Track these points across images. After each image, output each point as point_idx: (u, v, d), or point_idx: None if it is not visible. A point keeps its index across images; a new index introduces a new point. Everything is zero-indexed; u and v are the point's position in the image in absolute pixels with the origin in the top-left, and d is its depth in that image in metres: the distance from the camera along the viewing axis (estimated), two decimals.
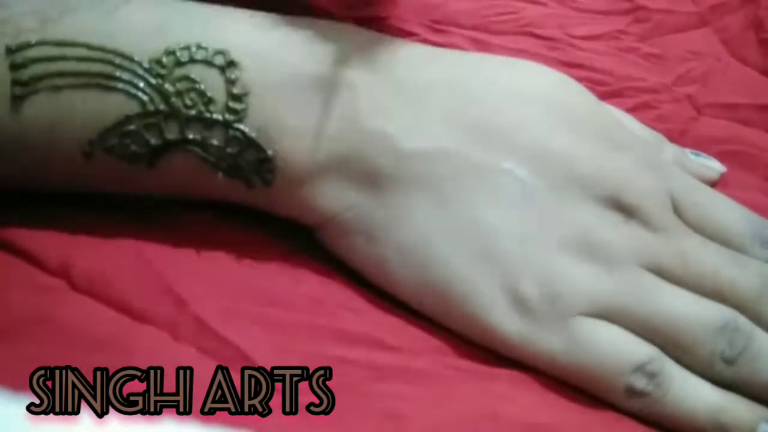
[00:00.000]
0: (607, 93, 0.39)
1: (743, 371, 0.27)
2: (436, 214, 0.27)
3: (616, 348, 0.26)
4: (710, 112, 0.40)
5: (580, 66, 0.40)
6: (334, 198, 0.27)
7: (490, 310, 0.27)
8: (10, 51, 0.25)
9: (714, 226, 0.29)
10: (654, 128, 0.35)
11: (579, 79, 0.32)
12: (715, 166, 0.34)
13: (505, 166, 0.27)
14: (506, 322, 0.26)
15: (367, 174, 0.27)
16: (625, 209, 0.28)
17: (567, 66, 0.37)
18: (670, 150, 0.33)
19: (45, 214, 0.27)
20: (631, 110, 0.36)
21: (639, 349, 0.26)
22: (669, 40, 0.45)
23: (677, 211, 0.29)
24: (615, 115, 0.33)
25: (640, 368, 0.26)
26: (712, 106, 0.40)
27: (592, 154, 0.28)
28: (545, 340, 0.26)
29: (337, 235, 0.28)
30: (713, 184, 0.33)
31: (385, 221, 0.27)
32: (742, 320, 0.27)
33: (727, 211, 0.30)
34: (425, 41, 0.36)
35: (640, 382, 0.26)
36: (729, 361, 0.27)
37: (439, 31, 0.41)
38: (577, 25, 0.44)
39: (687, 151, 0.34)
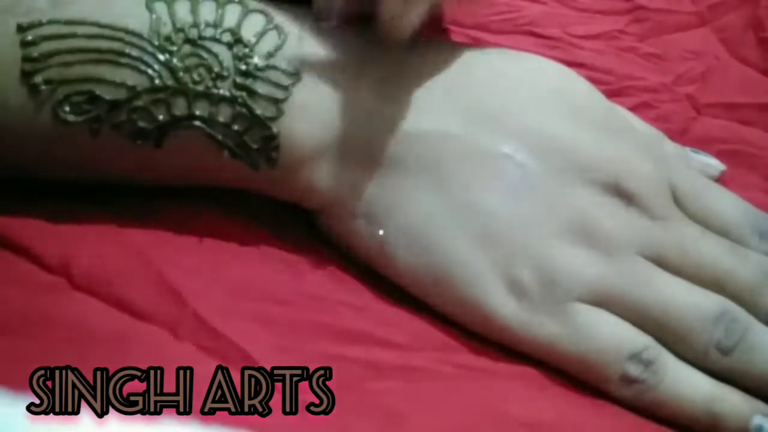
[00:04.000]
0: (608, 92, 0.38)
1: (739, 362, 0.27)
2: (436, 196, 0.27)
3: (612, 335, 0.26)
4: (710, 112, 0.40)
5: (580, 65, 0.40)
6: (335, 180, 0.27)
7: (488, 295, 0.27)
8: (21, 29, 0.25)
9: (714, 217, 0.30)
10: (654, 127, 0.35)
11: None
12: (715, 164, 0.34)
13: (504, 151, 0.27)
14: (504, 307, 0.27)
15: (369, 156, 0.27)
16: (625, 196, 0.28)
17: (567, 65, 0.37)
18: (671, 147, 0.33)
19: (45, 211, 0.27)
20: (631, 110, 0.36)
21: (635, 337, 0.27)
22: (668, 39, 0.45)
23: (677, 201, 0.29)
24: (617, 108, 0.33)
25: (635, 356, 0.26)
26: (711, 105, 0.40)
27: (593, 140, 0.28)
28: (541, 326, 0.26)
29: (338, 218, 0.28)
30: None
31: (386, 203, 0.27)
32: (740, 311, 0.27)
33: (727, 203, 0.30)
34: None
35: (635, 370, 0.26)
36: (725, 352, 0.27)
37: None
38: (577, 24, 0.44)
39: (687, 149, 0.34)
